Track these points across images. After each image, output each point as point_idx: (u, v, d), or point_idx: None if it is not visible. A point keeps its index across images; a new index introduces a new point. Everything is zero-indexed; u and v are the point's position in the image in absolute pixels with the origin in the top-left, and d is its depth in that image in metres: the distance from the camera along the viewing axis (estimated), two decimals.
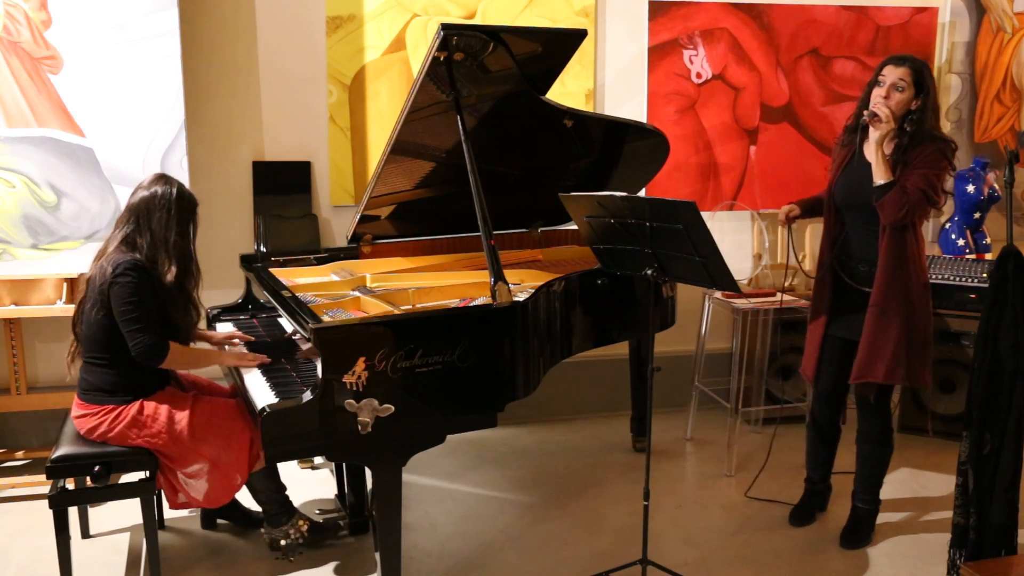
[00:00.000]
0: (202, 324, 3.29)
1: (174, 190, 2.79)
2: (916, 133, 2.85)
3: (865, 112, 2.85)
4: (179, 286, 2.79)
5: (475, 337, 2.60)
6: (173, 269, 2.75)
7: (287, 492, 3.06)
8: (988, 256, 4.50)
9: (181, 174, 3.54)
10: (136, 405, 2.73)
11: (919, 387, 3.01)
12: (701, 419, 4.30)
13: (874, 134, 2.83)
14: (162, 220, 2.74)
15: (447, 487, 3.67)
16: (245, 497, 3.11)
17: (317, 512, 3.30)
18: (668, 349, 4.38)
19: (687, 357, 4.37)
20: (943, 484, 3.67)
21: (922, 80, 2.85)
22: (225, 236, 3.94)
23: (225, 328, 3.29)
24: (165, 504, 3.04)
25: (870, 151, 2.86)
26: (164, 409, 2.74)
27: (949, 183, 3.05)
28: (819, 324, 3.10)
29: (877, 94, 2.86)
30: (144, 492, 2.76)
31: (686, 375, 4.35)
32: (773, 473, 3.79)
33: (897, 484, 3.69)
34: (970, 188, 4.51)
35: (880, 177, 2.81)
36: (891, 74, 2.85)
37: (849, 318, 3.02)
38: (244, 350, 3.02)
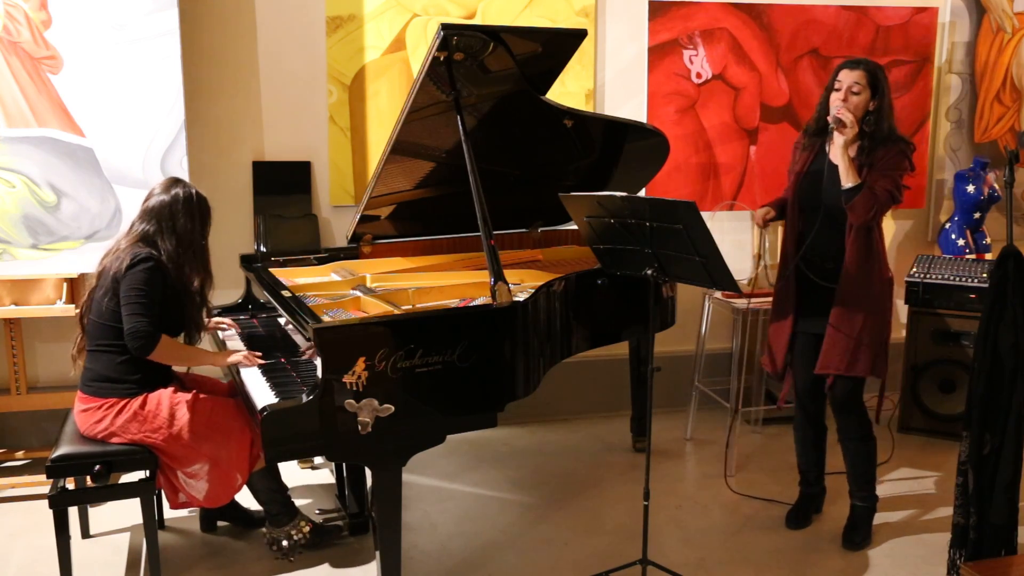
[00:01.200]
0: None
1: (193, 193, 2.85)
2: (875, 133, 2.92)
3: (830, 119, 2.91)
4: (200, 289, 2.86)
5: (475, 337, 2.60)
6: (200, 273, 2.83)
7: (288, 492, 3.06)
8: (988, 256, 4.50)
9: (181, 174, 3.53)
10: (139, 399, 2.74)
11: (881, 378, 3.08)
12: (701, 419, 4.30)
13: (839, 139, 2.87)
14: (188, 226, 2.81)
15: (447, 487, 3.67)
16: (244, 497, 3.11)
17: (317, 512, 3.30)
18: (668, 349, 4.38)
19: (687, 357, 4.36)
20: (943, 484, 3.67)
21: (877, 82, 2.91)
22: (225, 236, 3.92)
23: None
24: (165, 504, 3.04)
25: (836, 155, 2.92)
26: (165, 405, 2.75)
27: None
28: (787, 322, 3.14)
29: (836, 99, 2.93)
30: (144, 492, 2.76)
31: (686, 375, 4.34)
32: (773, 473, 3.79)
33: (897, 484, 3.69)
34: (970, 188, 4.52)
35: (848, 181, 2.86)
36: (847, 79, 2.91)
37: (817, 313, 3.05)
38: (240, 346, 3.04)
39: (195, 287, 2.83)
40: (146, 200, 2.85)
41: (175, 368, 2.99)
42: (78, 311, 2.88)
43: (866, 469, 3.17)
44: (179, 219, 2.79)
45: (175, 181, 2.87)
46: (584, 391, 4.45)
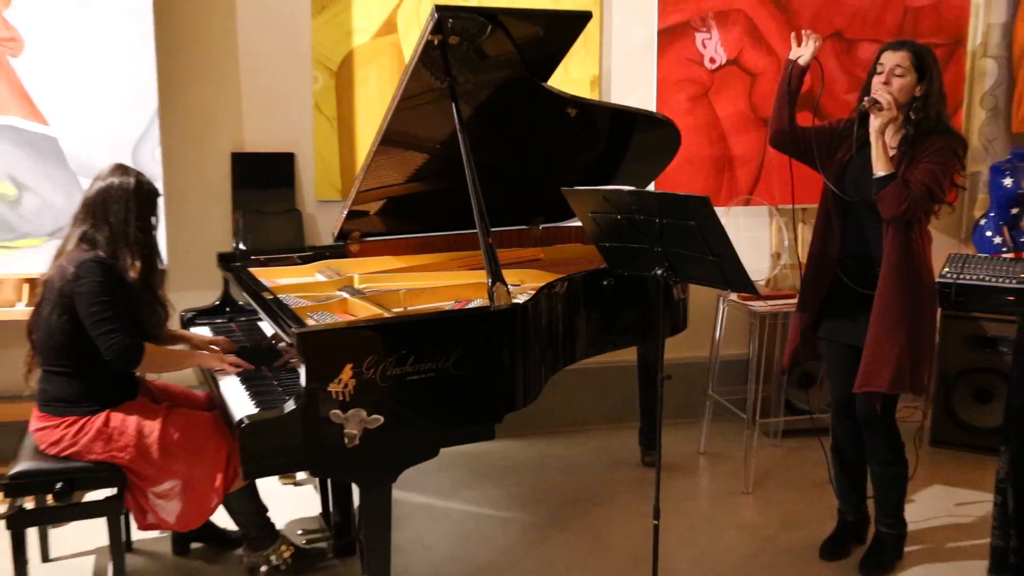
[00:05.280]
0: (176, 326, 3.27)
1: (132, 180, 2.79)
2: (922, 121, 2.84)
3: (865, 99, 2.85)
4: (143, 283, 2.78)
5: (471, 342, 2.59)
6: (137, 264, 2.75)
7: (268, 513, 3.03)
8: None
9: (154, 166, 3.53)
10: (102, 416, 2.71)
11: (920, 395, 3.01)
12: (715, 431, 4.29)
13: (875, 122, 2.82)
14: (120, 213, 2.75)
15: (441, 505, 3.66)
16: (220, 516, 3.08)
17: (299, 533, 3.27)
18: (679, 355, 4.38)
19: (700, 364, 4.36)
20: (980, 503, 3.65)
21: (923, 64, 2.85)
22: (201, 233, 3.94)
23: (202, 333, 3.27)
24: (133, 523, 3.01)
25: (871, 140, 2.83)
26: (133, 421, 2.71)
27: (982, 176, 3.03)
28: (811, 323, 3.10)
29: (877, 81, 2.88)
30: (110, 511, 2.73)
31: (699, 384, 4.34)
32: (796, 490, 3.77)
33: (930, 503, 3.67)
34: (1007, 182, 4.51)
35: (880, 169, 2.79)
36: (889, 60, 2.87)
37: (854, 322, 2.99)
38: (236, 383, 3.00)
39: (133, 279, 2.73)
40: (87, 189, 2.81)
41: (147, 376, 2.96)
42: (27, 324, 2.81)
43: (894, 494, 3.11)
44: (111, 208, 2.74)
45: (116, 168, 2.82)
46: (589, 401, 4.45)
